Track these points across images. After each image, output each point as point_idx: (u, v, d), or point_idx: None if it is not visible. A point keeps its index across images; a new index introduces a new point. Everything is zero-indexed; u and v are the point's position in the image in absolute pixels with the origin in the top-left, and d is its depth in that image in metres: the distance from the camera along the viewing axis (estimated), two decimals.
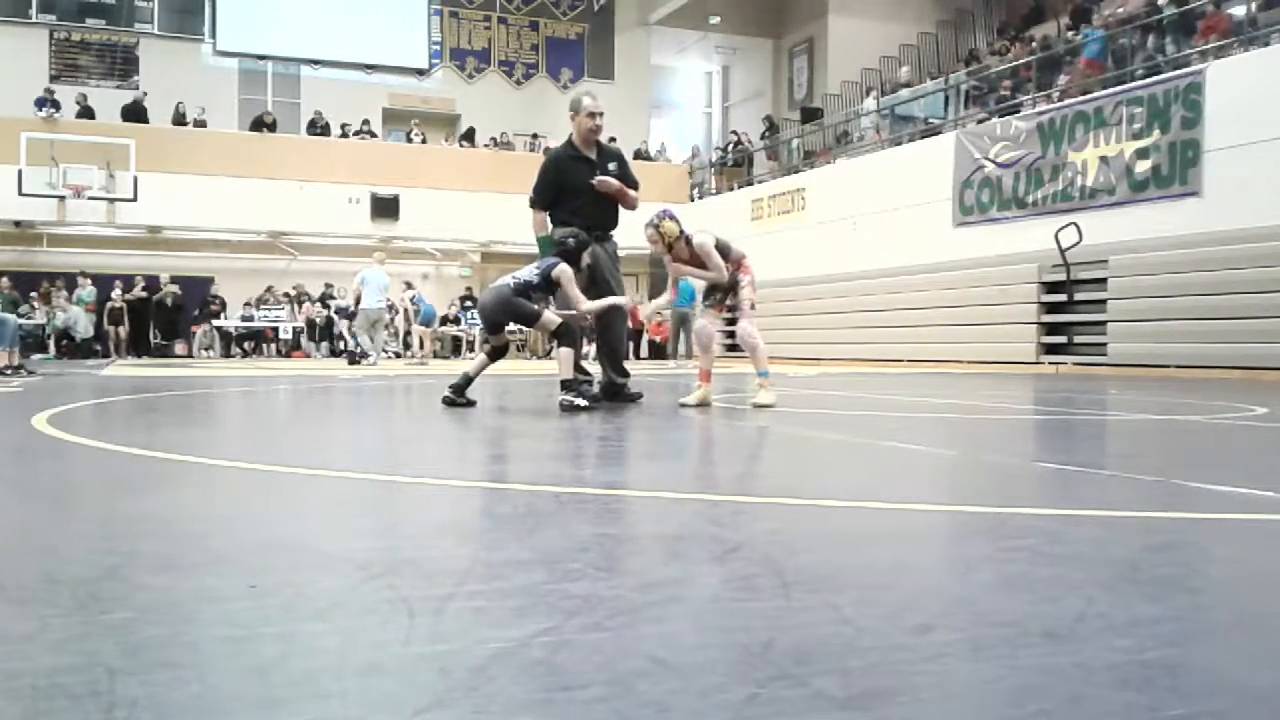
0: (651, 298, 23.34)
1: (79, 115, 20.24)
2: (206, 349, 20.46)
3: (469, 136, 23.31)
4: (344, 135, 22.23)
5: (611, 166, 6.11)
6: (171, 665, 1.19)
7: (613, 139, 23.83)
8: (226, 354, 20.46)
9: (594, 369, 6.47)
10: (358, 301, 15.16)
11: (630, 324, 22.99)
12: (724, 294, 5.97)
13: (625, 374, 6.32)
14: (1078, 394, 8.15)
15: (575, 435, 4.21)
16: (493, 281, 6.03)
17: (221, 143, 20.84)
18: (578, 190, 5.95)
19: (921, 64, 22.39)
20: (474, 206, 21.59)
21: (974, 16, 22.95)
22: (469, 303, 21.30)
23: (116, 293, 19.77)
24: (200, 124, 21.26)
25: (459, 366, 11.67)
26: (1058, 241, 13.33)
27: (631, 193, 6.13)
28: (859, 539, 2.08)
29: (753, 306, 5.92)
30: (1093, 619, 1.42)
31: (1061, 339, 13.92)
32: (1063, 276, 13.65)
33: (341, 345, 19.62)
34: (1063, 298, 13.78)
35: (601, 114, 6.01)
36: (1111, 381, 10.61)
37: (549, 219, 6.12)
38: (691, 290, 22.37)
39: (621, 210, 6.25)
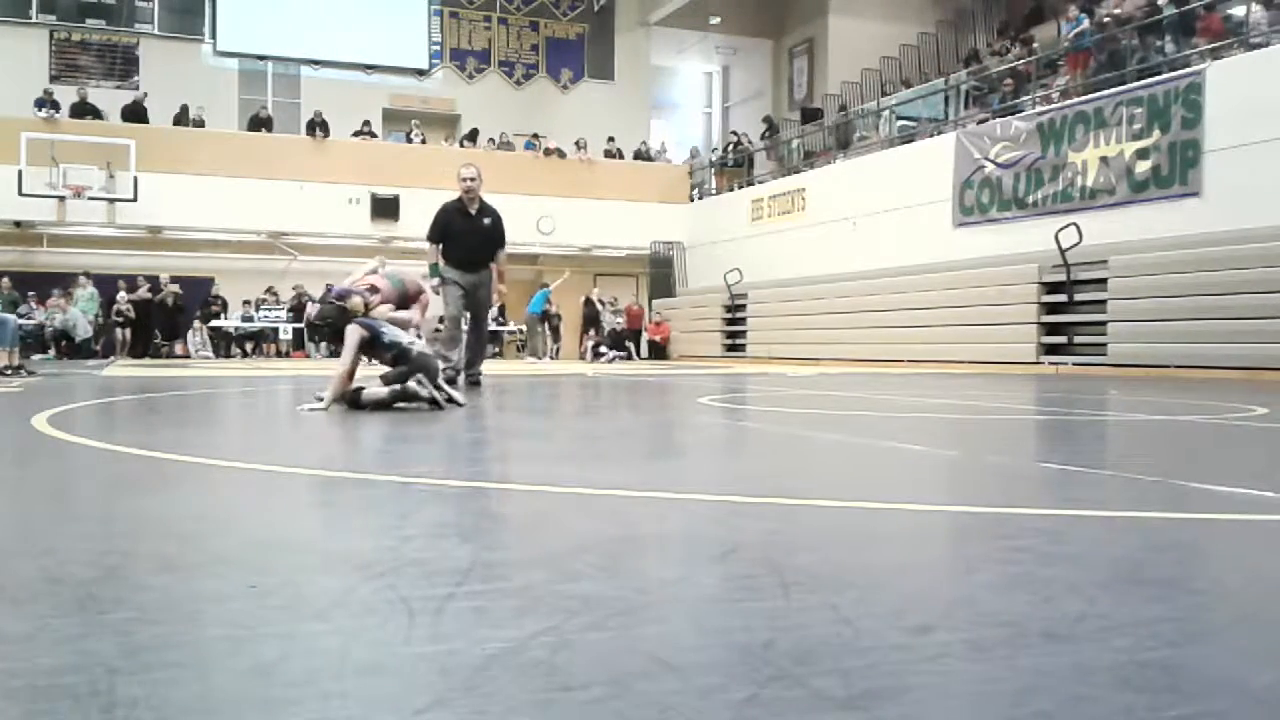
0: (652, 298, 23.31)
1: (81, 115, 20.21)
2: (199, 350, 20.41)
3: (471, 137, 23.26)
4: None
5: (486, 222, 7.68)
6: (171, 665, 1.19)
7: (611, 138, 23.80)
8: (226, 354, 20.45)
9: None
10: None
11: (630, 325, 23.24)
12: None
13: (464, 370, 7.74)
14: (1078, 394, 8.15)
15: (575, 435, 4.21)
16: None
17: (221, 143, 20.82)
18: (457, 235, 7.60)
19: (921, 64, 22.40)
20: None
21: (974, 16, 22.94)
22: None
23: (123, 295, 19.71)
24: (200, 124, 21.25)
25: None
26: (1058, 242, 13.33)
27: (503, 265, 8.02)
28: (859, 539, 2.08)
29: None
30: (1093, 619, 1.42)
31: (1061, 339, 13.89)
32: (1063, 277, 13.64)
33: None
34: (1063, 298, 13.77)
35: (471, 179, 7.63)
36: (1112, 382, 10.60)
37: (440, 252, 7.74)
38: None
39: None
